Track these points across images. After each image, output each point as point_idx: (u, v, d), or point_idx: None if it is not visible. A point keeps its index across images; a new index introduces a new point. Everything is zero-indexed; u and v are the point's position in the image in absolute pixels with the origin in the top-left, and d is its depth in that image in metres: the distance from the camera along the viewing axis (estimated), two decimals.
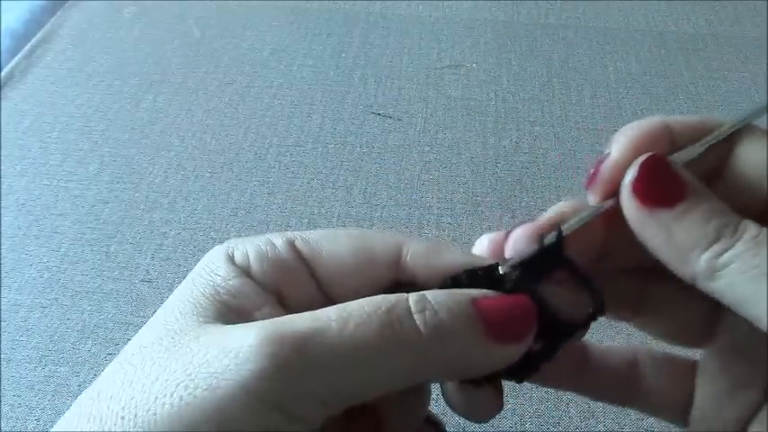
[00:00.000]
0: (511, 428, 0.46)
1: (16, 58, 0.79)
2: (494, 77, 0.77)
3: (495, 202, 0.63)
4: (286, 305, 0.23)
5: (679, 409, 0.28)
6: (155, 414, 0.19)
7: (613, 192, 0.24)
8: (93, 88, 0.76)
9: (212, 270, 0.23)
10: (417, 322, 0.21)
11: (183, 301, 0.22)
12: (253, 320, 0.21)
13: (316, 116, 0.72)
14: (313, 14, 0.88)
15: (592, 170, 0.25)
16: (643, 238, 0.23)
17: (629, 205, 0.23)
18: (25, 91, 0.76)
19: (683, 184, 0.22)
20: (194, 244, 0.59)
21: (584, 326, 0.25)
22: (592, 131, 0.70)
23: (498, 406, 0.25)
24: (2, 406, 0.48)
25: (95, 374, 0.51)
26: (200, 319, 0.21)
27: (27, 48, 0.81)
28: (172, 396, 0.19)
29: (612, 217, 0.24)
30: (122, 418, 0.19)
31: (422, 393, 0.27)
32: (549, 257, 0.24)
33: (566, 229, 0.24)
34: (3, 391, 0.49)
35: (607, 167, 0.24)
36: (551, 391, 0.48)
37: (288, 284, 0.23)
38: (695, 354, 0.29)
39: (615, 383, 0.29)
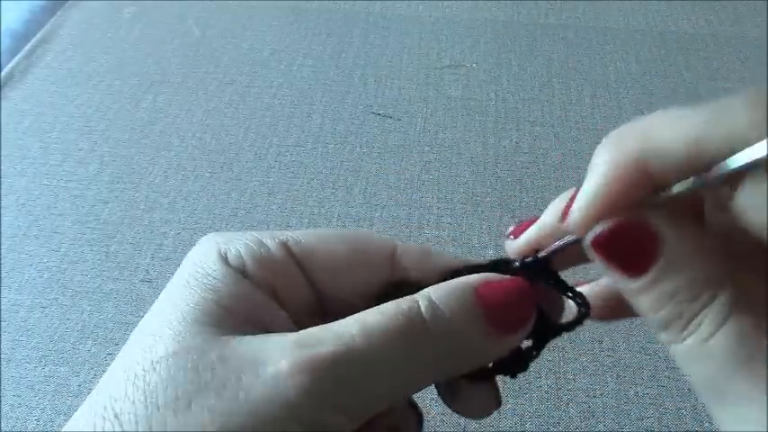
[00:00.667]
0: (511, 428, 0.46)
1: (16, 58, 0.80)
2: (494, 77, 0.77)
3: (495, 202, 0.63)
4: (281, 304, 0.24)
5: None
6: None
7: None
8: (93, 88, 0.76)
9: (208, 272, 0.23)
10: (430, 328, 0.21)
11: (185, 307, 0.22)
12: (265, 328, 0.22)
13: (316, 116, 0.72)
14: (313, 14, 0.88)
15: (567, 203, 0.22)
16: None
17: (595, 258, 0.21)
18: (25, 91, 0.76)
19: (649, 251, 0.20)
20: (194, 244, 0.59)
21: (572, 328, 0.26)
22: (592, 131, 0.70)
23: (495, 402, 0.26)
24: (2, 406, 0.48)
25: (95, 374, 0.51)
26: (213, 330, 0.21)
27: (27, 48, 0.81)
28: (214, 422, 0.19)
29: None
30: None
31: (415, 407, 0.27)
32: (536, 270, 0.25)
33: (543, 253, 0.24)
34: (3, 391, 0.49)
35: (578, 209, 0.21)
36: (551, 390, 0.48)
37: (282, 285, 0.23)
38: None
39: None
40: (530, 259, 0.24)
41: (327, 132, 0.70)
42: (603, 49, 0.82)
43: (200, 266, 0.23)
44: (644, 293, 0.20)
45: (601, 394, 0.48)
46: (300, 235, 0.24)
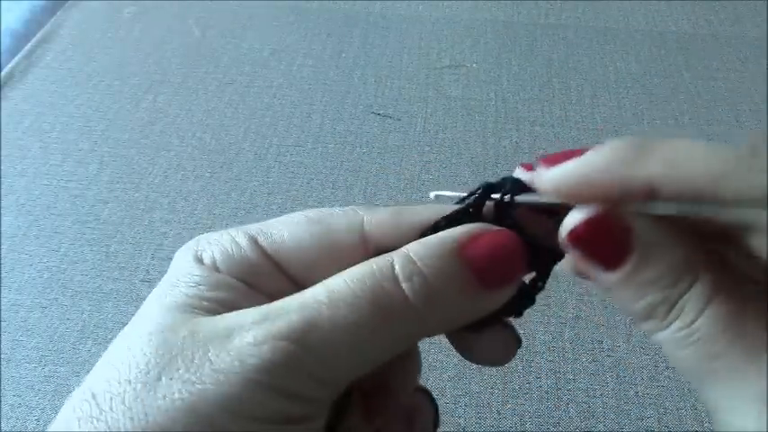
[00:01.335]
0: (511, 428, 0.46)
1: (16, 58, 0.80)
2: (494, 77, 0.77)
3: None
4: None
5: None
6: (167, 410, 0.19)
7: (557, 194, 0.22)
8: (93, 88, 0.76)
9: (186, 272, 0.23)
10: (407, 292, 0.21)
11: (163, 300, 0.22)
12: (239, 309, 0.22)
13: (316, 116, 0.72)
14: (313, 14, 0.88)
15: (554, 155, 0.22)
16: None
17: (570, 251, 0.21)
18: (25, 91, 0.76)
19: (624, 244, 0.20)
20: None
21: (547, 270, 0.24)
22: (592, 131, 0.70)
23: (514, 344, 0.25)
24: (2, 406, 0.48)
25: None
26: (188, 315, 0.22)
27: (27, 48, 0.81)
28: (181, 392, 0.19)
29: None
30: (131, 419, 0.19)
31: (414, 356, 0.27)
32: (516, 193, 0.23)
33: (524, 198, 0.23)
34: (3, 391, 0.49)
35: (551, 178, 0.21)
36: (551, 390, 0.48)
37: (255, 280, 0.23)
38: None
39: None
40: (507, 197, 0.23)
41: (327, 132, 0.70)
42: (603, 49, 0.82)
43: (178, 268, 0.23)
44: (623, 286, 0.20)
45: (601, 394, 0.48)
46: (272, 227, 0.24)
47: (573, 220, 0.21)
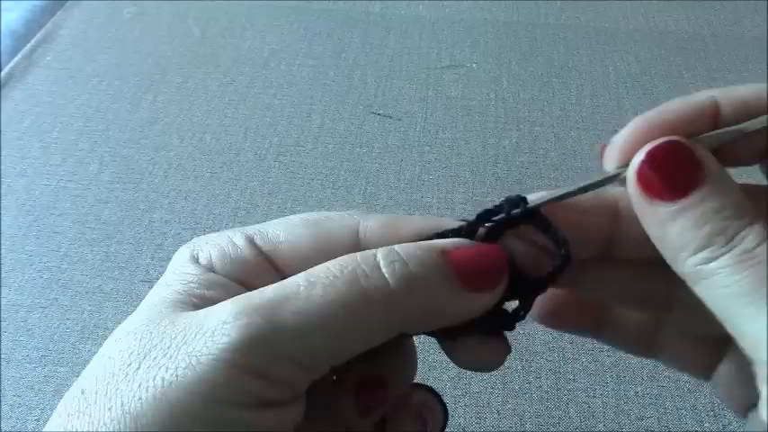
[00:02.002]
0: (511, 428, 0.46)
1: (16, 58, 0.80)
2: (494, 77, 0.77)
3: (495, 202, 0.62)
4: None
5: (700, 370, 0.27)
6: (140, 399, 0.19)
7: (624, 163, 0.23)
8: (93, 88, 0.76)
9: (180, 271, 0.24)
10: (386, 275, 0.21)
11: (155, 298, 0.23)
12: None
13: (316, 116, 0.72)
14: (313, 14, 0.88)
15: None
16: (643, 225, 0.22)
17: (632, 190, 0.22)
18: (25, 91, 0.76)
19: (694, 176, 0.21)
20: None
21: (554, 277, 0.24)
22: (592, 131, 0.70)
23: (501, 352, 0.25)
24: (2, 406, 0.48)
25: None
26: (176, 310, 0.22)
27: (27, 48, 0.81)
28: (155, 380, 0.19)
29: (622, 205, 0.23)
30: (110, 409, 0.19)
31: (408, 351, 0.27)
32: (515, 214, 0.24)
33: (552, 194, 0.24)
34: (3, 391, 0.49)
35: (621, 137, 0.23)
36: (551, 390, 0.48)
37: (251, 281, 0.23)
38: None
39: (637, 336, 0.28)
40: (517, 211, 0.24)
41: (327, 132, 0.70)
42: (603, 49, 0.82)
43: (173, 270, 0.24)
44: (685, 214, 0.21)
45: (601, 394, 0.48)
46: (268, 227, 0.24)
47: (648, 146, 0.22)
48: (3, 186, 0.64)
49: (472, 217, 0.25)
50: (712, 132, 0.22)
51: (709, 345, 0.27)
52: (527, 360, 0.49)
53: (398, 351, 0.26)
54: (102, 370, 0.21)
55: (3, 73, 0.77)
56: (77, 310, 0.54)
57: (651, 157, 0.21)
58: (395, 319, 0.22)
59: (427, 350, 0.50)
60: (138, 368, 0.20)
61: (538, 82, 0.77)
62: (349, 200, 0.63)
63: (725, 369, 0.27)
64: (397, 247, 0.22)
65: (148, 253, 0.57)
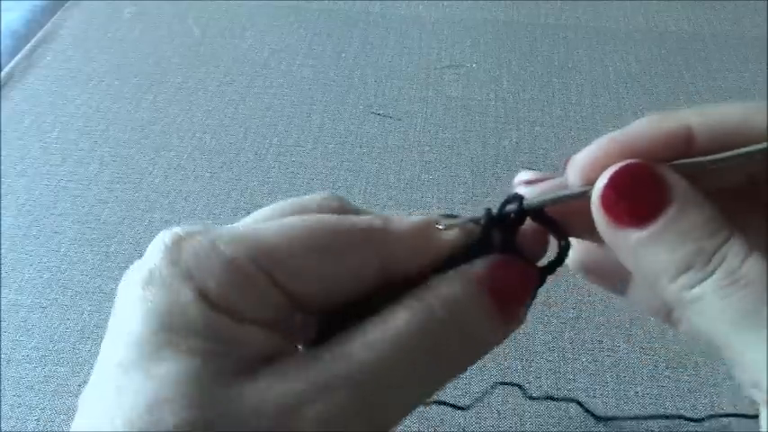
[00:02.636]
0: (511, 428, 0.46)
1: (16, 58, 0.79)
2: (494, 77, 0.77)
3: (495, 203, 0.62)
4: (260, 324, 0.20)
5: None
6: None
7: (589, 181, 0.22)
8: (93, 88, 0.76)
9: (195, 318, 0.18)
10: (450, 341, 0.20)
11: (183, 366, 0.17)
12: (260, 361, 0.19)
13: (316, 116, 0.72)
14: (313, 14, 0.88)
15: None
16: (616, 253, 0.21)
17: (598, 218, 0.21)
18: (25, 91, 0.76)
19: (659, 198, 0.20)
20: None
21: (560, 263, 0.24)
22: (592, 131, 0.70)
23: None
24: (2, 406, 0.48)
25: None
26: (229, 388, 0.18)
27: (27, 48, 0.81)
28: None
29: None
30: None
31: None
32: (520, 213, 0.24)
33: (538, 197, 0.23)
34: (3, 391, 0.49)
35: (582, 157, 0.22)
36: (551, 391, 0.48)
37: (257, 307, 0.19)
38: None
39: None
40: (515, 207, 0.23)
41: (327, 132, 0.70)
42: (603, 49, 0.82)
43: (178, 309, 0.18)
44: (656, 239, 0.19)
45: (601, 394, 0.48)
46: (272, 240, 0.20)
47: (610, 170, 0.20)
48: (3, 186, 0.64)
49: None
50: (687, 160, 0.21)
51: None
52: (527, 360, 0.49)
53: None
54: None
55: (3, 73, 0.77)
56: (77, 310, 0.54)
57: (614, 182, 0.20)
58: (453, 373, 0.21)
59: None
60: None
61: (538, 82, 0.77)
62: (349, 200, 0.63)
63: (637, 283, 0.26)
64: (442, 297, 0.21)
65: None
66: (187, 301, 0.18)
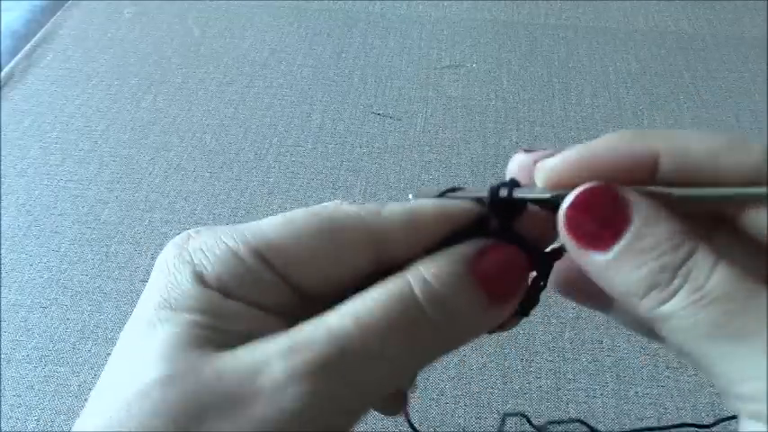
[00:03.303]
0: (511, 428, 0.46)
1: (16, 58, 0.80)
2: (494, 77, 0.77)
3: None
4: (261, 308, 0.22)
5: None
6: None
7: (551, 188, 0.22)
8: (93, 88, 0.76)
9: (186, 294, 0.21)
10: (429, 314, 0.21)
11: (169, 330, 0.20)
12: (252, 336, 0.20)
13: (316, 116, 0.72)
14: (313, 14, 0.88)
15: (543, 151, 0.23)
16: (587, 274, 0.21)
17: (566, 242, 0.21)
18: (25, 91, 0.76)
19: (620, 217, 0.20)
20: None
21: (560, 253, 0.24)
22: (592, 131, 0.70)
23: (515, 319, 0.25)
24: (2, 406, 0.48)
25: (95, 374, 0.51)
26: (201, 351, 0.20)
27: (27, 48, 0.81)
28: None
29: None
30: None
31: None
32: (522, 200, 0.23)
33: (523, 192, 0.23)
34: (3, 391, 0.49)
35: (549, 167, 0.22)
36: (551, 390, 0.48)
37: (260, 296, 0.21)
38: None
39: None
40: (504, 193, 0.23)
41: (327, 132, 0.70)
42: (603, 49, 0.82)
43: (176, 288, 0.21)
44: (620, 260, 0.20)
45: (601, 394, 0.48)
46: (271, 232, 0.22)
47: (573, 194, 0.21)
48: (3, 186, 0.64)
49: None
50: (655, 188, 0.21)
51: None
52: (527, 360, 0.49)
53: None
54: (136, 423, 0.18)
55: (3, 73, 0.77)
56: (77, 310, 0.54)
57: (576, 206, 0.20)
58: (438, 351, 0.22)
59: None
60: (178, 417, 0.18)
61: (538, 82, 0.77)
62: (349, 200, 0.63)
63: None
64: (426, 274, 0.21)
65: (148, 253, 0.57)
66: (183, 280, 0.21)
